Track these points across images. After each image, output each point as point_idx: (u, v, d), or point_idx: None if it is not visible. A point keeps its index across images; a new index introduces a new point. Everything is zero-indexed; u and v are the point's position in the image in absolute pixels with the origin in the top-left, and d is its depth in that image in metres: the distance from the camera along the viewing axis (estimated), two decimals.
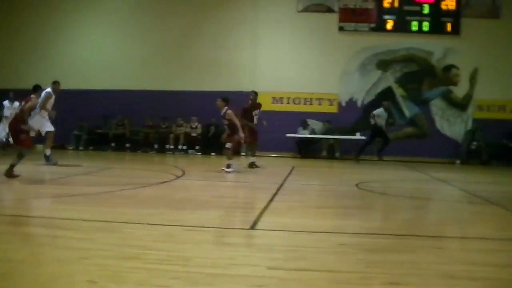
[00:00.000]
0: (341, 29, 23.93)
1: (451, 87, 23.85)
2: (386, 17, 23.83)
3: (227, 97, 14.54)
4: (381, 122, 20.12)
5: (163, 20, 24.45)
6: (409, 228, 7.48)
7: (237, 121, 14.40)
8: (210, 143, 22.82)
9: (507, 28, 23.23)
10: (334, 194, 11.59)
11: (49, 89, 15.28)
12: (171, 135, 23.33)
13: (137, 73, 24.18)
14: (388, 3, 23.79)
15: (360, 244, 6.18)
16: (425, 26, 23.71)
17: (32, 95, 13.33)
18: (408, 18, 23.79)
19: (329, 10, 23.99)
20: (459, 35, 23.66)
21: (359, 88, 23.85)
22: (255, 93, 16.62)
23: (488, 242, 6.63)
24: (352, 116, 23.27)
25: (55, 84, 15.52)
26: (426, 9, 23.76)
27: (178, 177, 13.14)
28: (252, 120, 16.23)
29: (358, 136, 22.79)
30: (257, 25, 24.15)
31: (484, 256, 5.81)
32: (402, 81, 23.86)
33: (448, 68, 23.87)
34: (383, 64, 23.95)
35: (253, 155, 16.63)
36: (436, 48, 23.83)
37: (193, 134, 23.28)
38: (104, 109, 24.10)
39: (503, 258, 5.78)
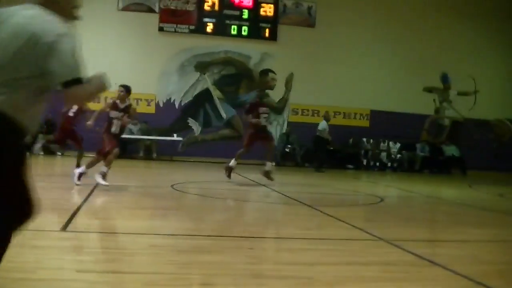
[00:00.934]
0: (161, 29, 23.87)
1: (268, 91, 24.47)
2: (206, 20, 24.10)
3: (130, 86, 11.98)
4: (325, 135, 20.70)
5: None
6: (222, 229, 7.52)
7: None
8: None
9: (321, 36, 24.33)
10: (149, 195, 11.45)
11: None
12: None
13: None
14: (208, 6, 24.04)
15: (173, 245, 6.12)
16: (244, 30, 24.26)
17: None
18: (227, 22, 24.21)
19: (150, 10, 23.85)
20: (276, 41, 24.39)
21: (177, 89, 23.83)
22: (262, 90, 15.28)
23: (297, 241, 6.80)
24: (169, 117, 23.19)
25: None
26: (245, 14, 24.29)
27: None
28: (259, 119, 14.58)
29: (175, 137, 22.81)
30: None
31: (293, 255, 5.94)
32: (219, 84, 24.14)
33: (265, 72, 24.48)
34: (202, 66, 24.08)
35: (270, 160, 14.70)
36: (254, 53, 24.36)
37: None
38: None
39: (311, 256, 5.94)
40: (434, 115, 24.86)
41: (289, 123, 24.06)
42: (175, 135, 22.96)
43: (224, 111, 23.91)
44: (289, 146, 23.24)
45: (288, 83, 24.39)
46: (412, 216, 10.26)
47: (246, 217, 9.32)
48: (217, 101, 23.73)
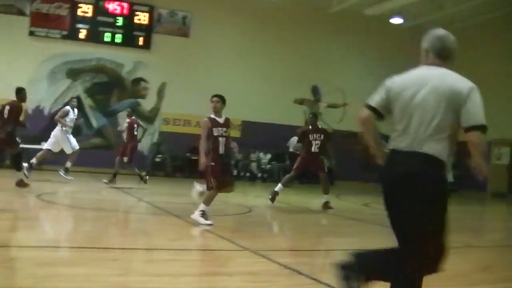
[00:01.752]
0: (31, 33, 23.14)
1: (139, 100, 24.33)
2: (79, 25, 23.60)
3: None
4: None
5: None
6: (88, 240, 7.40)
7: None
8: None
9: (195, 46, 24.42)
10: (13, 205, 11.05)
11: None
12: None
13: None
14: (82, 11, 23.57)
15: (33, 258, 5.92)
16: (118, 38, 23.96)
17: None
18: (101, 28, 23.80)
19: (20, 12, 23.09)
20: (150, 49, 24.27)
21: (47, 96, 23.25)
22: (314, 115, 14.48)
23: (164, 252, 6.80)
24: (38, 125, 22.49)
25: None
26: (120, 22, 23.99)
27: None
28: (310, 146, 13.63)
29: (43, 145, 22.20)
30: None
31: (159, 267, 5.94)
32: (91, 91, 23.76)
33: (138, 81, 24.34)
34: (73, 73, 23.63)
35: (326, 192, 13.61)
36: (126, 61, 24.16)
37: None
38: None
39: (176, 267, 5.97)
40: (304, 127, 25.58)
41: (160, 133, 23.98)
42: (43, 143, 22.34)
43: (95, 120, 23.55)
44: (159, 155, 23.13)
45: (160, 92, 24.38)
46: (280, 226, 10.49)
47: (113, 228, 9.20)
48: (88, 110, 23.34)
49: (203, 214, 9.23)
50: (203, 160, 9.45)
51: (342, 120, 21.42)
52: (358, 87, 26.66)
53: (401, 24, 27.11)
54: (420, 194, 3.89)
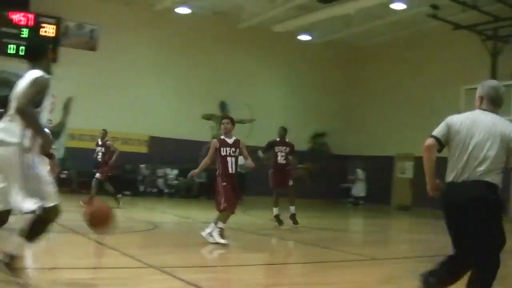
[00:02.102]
0: None
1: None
2: None
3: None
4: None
5: None
6: None
7: None
8: None
9: (102, 60, 24.14)
10: None
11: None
12: None
13: None
14: None
15: None
16: (23, 50, 23.35)
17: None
18: (5, 40, 23.17)
19: None
20: (57, 63, 23.82)
21: None
22: (283, 129, 14.58)
23: (65, 271, 6.73)
24: None
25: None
26: (25, 33, 23.42)
27: None
28: (276, 157, 14.20)
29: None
30: None
31: (63, 286, 5.90)
32: None
33: None
34: None
35: (292, 203, 14.05)
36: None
37: None
38: None
39: (81, 287, 5.93)
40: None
41: (66, 148, 23.45)
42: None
43: None
44: (65, 171, 22.65)
45: (67, 106, 23.91)
46: (185, 242, 10.49)
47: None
48: None
49: (221, 232, 9.68)
50: (197, 170, 10.23)
51: (249, 136, 21.54)
52: (265, 103, 27.10)
53: (309, 40, 27.69)
54: (484, 214, 4.78)
